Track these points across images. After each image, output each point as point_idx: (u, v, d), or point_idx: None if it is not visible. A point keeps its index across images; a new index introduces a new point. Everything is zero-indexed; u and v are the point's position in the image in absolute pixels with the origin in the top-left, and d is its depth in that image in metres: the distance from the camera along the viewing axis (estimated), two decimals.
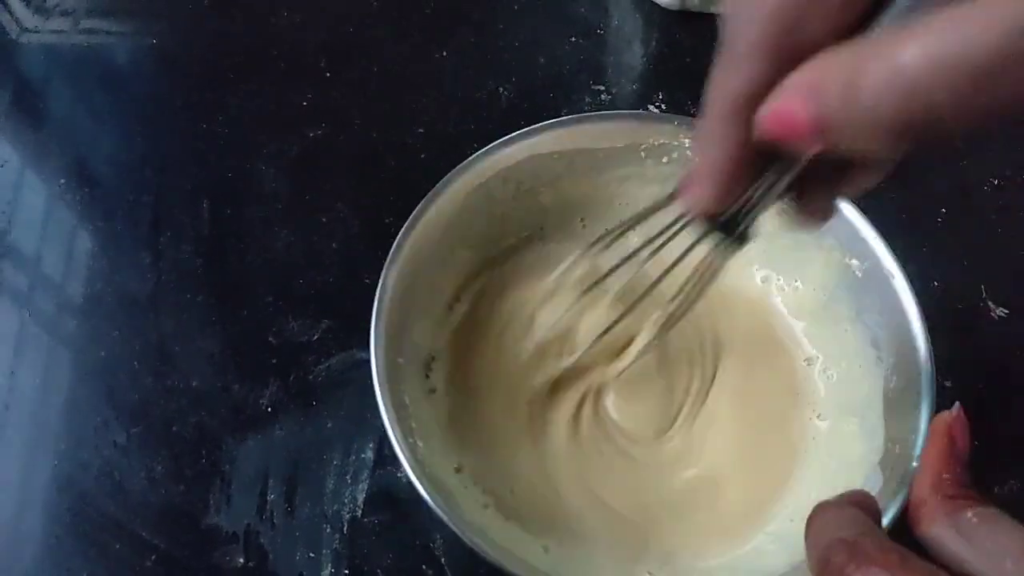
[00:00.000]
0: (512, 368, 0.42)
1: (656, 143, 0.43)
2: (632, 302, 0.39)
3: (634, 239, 0.39)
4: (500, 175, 0.42)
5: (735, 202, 0.29)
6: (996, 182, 0.51)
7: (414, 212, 0.39)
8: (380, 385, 0.35)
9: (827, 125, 0.21)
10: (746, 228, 0.30)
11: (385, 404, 0.35)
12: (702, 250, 0.33)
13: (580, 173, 0.44)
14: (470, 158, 0.41)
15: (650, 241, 0.36)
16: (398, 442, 0.34)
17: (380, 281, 0.38)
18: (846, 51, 0.21)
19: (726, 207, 0.29)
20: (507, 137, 0.42)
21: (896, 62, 0.19)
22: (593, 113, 0.44)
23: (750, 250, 0.43)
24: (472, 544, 0.32)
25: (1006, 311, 0.46)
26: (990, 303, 0.46)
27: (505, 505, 0.38)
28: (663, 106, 0.53)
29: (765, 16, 0.23)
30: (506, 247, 0.45)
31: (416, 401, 0.38)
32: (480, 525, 0.35)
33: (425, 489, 0.33)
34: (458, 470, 0.39)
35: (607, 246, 0.39)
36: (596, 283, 0.40)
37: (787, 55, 0.23)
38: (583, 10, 0.58)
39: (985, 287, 0.47)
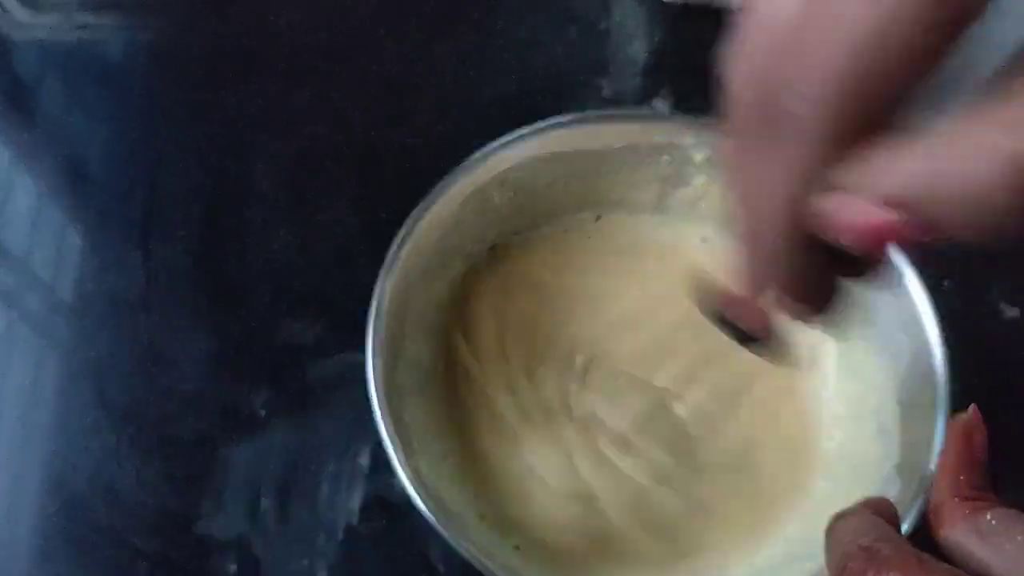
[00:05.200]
0: (526, 381, 0.41)
1: (655, 142, 0.42)
2: None
3: None
4: (498, 179, 0.41)
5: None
6: None
7: (407, 221, 0.39)
8: (378, 401, 0.35)
9: (935, 225, 0.19)
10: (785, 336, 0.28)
11: (385, 421, 0.34)
12: None
13: (579, 174, 0.43)
14: (465, 162, 0.40)
15: None
16: (399, 461, 0.34)
17: (375, 293, 0.37)
18: (939, 142, 0.19)
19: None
20: (504, 140, 0.41)
21: (1013, 148, 0.18)
22: (590, 113, 0.43)
23: None
24: (475, 562, 0.32)
25: (1017, 311, 0.45)
26: (1001, 303, 0.46)
27: (511, 525, 0.38)
28: (666, 102, 0.52)
29: (835, 91, 0.19)
30: (499, 247, 0.44)
31: (416, 416, 0.38)
32: (484, 545, 0.35)
33: (429, 509, 0.32)
34: (461, 488, 0.38)
35: None
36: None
37: (853, 136, 0.20)
38: (584, 6, 0.57)
39: (996, 287, 0.46)
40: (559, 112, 0.52)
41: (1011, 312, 0.45)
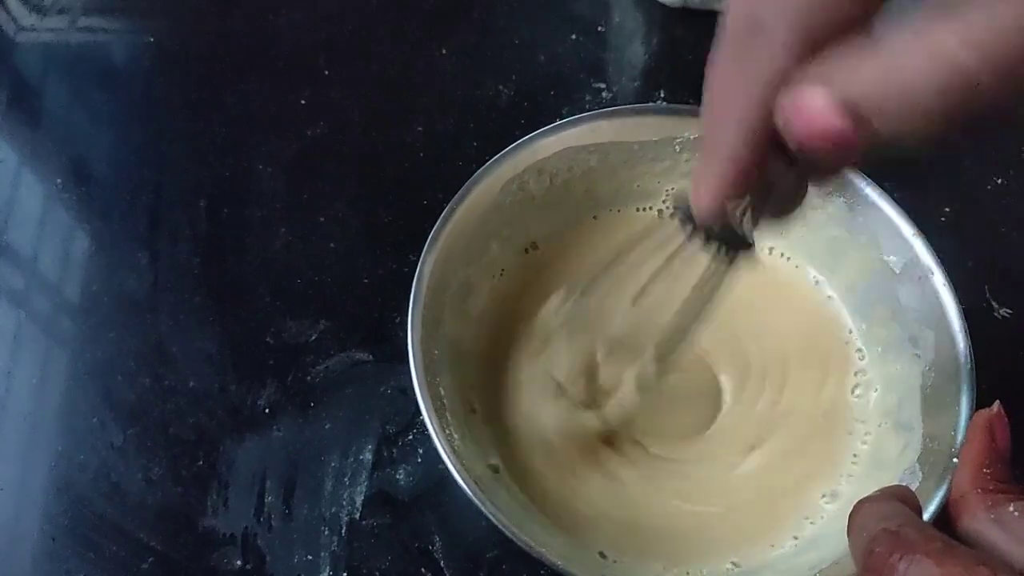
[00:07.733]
0: (558, 370, 0.41)
1: (691, 137, 0.43)
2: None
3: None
4: (535, 167, 0.42)
5: (736, 206, 0.28)
6: (999, 181, 0.51)
7: (450, 203, 0.39)
8: (418, 377, 0.35)
9: (868, 126, 0.21)
10: (749, 232, 0.30)
11: (423, 395, 0.35)
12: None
13: (614, 166, 0.44)
14: (505, 150, 0.41)
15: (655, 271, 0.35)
16: (436, 434, 0.34)
17: (416, 272, 0.37)
18: (875, 46, 0.21)
19: (729, 210, 0.28)
20: (542, 129, 0.42)
21: (942, 50, 0.19)
22: (629, 106, 0.44)
23: (791, 248, 0.44)
24: (513, 537, 0.32)
25: (1010, 311, 0.46)
26: (994, 303, 0.46)
27: (541, 503, 0.38)
28: (664, 103, 0.53)
29: (795, 8, 0.22)
30: (536, 240, 0.45)
31: (451, 395, 0.38)
32: (517, 521, 0.35)
33: (465, 483, 0.33)
34: (495, 469, 0.38)
35: (597, 286, 0.38)
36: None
37: (809, 47, 0.22)
38: (584, 8, 0.57)
39: (988, 287, 0.46)
40: (558, 112, 0.52)
41: (1003, 312, 0.46)
